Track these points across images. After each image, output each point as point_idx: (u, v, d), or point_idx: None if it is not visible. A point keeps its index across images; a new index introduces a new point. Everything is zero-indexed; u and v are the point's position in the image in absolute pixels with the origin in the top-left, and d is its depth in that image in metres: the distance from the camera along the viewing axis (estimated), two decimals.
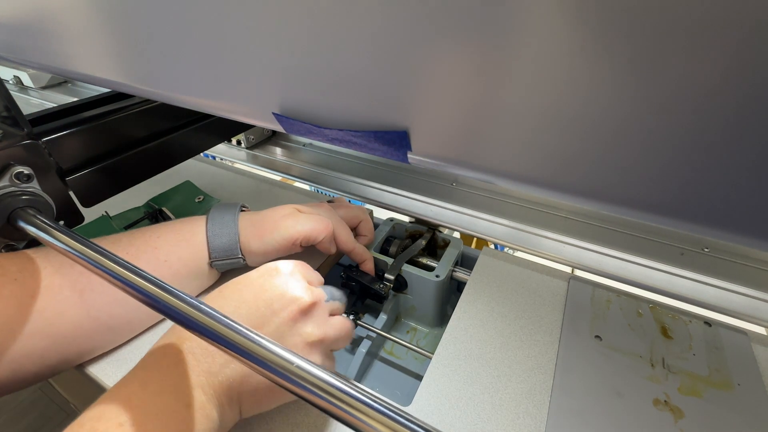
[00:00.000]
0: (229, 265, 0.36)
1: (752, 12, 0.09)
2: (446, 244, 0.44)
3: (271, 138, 0.65)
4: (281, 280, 0.26)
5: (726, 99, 0.10)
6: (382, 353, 0.41)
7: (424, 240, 0.43)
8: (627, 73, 0.11)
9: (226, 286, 0.27)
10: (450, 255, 0.41)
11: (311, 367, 0.17)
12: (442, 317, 0.43)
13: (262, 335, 0.18)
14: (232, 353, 0.18)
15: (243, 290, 0.26)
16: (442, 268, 0.39)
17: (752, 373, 0.31)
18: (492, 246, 0.47)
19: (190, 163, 0.59)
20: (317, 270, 0.32)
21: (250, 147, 0.62)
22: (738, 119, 0.10)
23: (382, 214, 0.49)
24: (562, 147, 0.13)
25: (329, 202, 0.42)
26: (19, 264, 0.28)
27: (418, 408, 0.29)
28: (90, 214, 0.40)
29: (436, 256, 0.42)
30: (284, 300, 0.25)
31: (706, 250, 0.40)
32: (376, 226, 0.46)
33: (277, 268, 0.27)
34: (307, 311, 0.26)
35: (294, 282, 0.26)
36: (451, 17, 0.12)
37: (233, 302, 0.25)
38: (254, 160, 0.61)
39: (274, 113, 0.19)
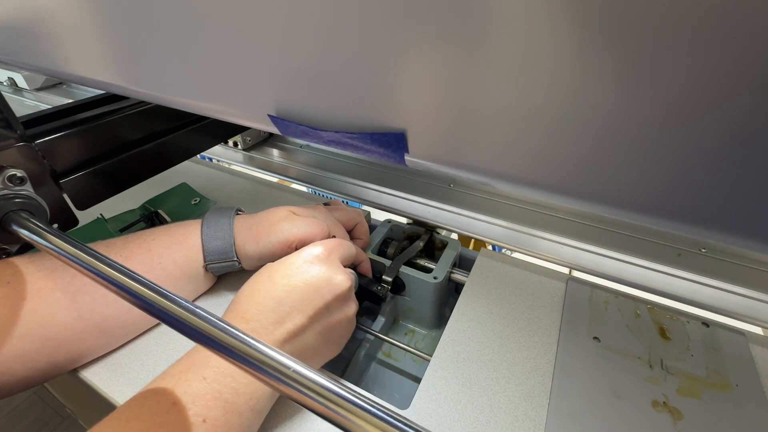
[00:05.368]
0: (224, 269, 0.36)
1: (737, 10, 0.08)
2: (444, 245, 0.44)
3: (267, 139, 0.65)
4: (325, 267, 0.29)
5: (723, 97, 0.10)
6: (380, 356, 0.41)
7: (421, 241, 0.43)
8: (619, 74, 0.11)
9: (274, 270, 0.29)
10: (448, 256, 0.41)
11: (307, 371, 0.17)
12: (440, 319, 0.43)
13: (257, 339, 0.18)
14: (227, 357, 0.18)
15: (293, 275, 0.28)
16: (440, 269, 0.39)
17: (750, 374, 0.31)
18: (490, 247, 0.47)
19: (186, 164, 0.59)
20: None
21: (247, 149, 0.62)
22: (735, 119, 0.10)
23: (379, 215, 0.49)
24: (560, 149, 0.13)
25: (325, 204, 0.42)
26: (13, 267, 0.28)
27: (416, 411, 0.29)
28: (85, 217, 0.39)
29: (434, 258, 0.42)
30: (330, 286, 0.29)
31: (703, 250, 0.40)
32: (373, 227, 0.46)
33: (320, 256, 0.30)
34: (348, 294, 0.30)
35: (336, 268, 0.30)
36: (449, 17, 0.12)
37: (285, 287, 0.28)
38: (251, 162, 0.61)
39: (269, 115, 0.19)
